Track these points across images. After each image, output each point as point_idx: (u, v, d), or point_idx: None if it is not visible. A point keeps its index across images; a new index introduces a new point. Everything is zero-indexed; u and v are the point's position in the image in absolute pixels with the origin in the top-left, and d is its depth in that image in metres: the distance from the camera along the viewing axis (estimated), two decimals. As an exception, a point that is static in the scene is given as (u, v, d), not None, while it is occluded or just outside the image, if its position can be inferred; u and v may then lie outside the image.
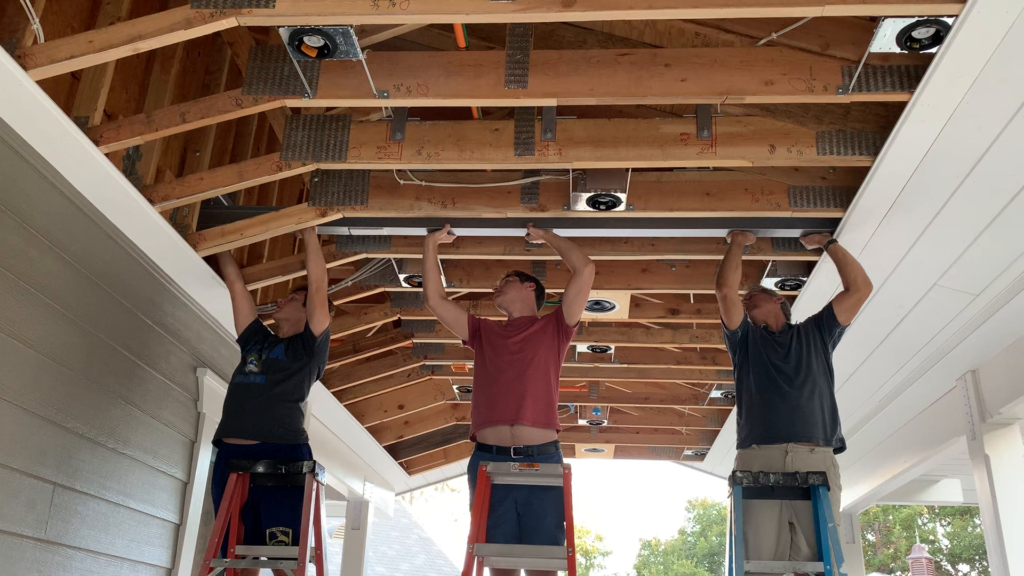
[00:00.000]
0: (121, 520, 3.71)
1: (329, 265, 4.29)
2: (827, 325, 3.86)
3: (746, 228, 4.00)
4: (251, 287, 4.40)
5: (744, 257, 4.13)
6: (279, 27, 2.83)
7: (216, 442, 3.82)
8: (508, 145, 3.55)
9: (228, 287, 4.16)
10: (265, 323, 4.25)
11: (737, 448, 3.86)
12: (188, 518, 4.29)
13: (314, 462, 3.55)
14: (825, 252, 3.95)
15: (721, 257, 4.30)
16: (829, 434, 3.72)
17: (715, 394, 6.85)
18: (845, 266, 3.82)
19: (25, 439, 3.06)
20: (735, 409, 4.04)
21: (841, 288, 3.87)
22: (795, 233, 4.05)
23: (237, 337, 4.09)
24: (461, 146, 3.56)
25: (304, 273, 4.41)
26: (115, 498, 3.65)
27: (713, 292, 4.77)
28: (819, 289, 4.41)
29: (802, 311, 4.40)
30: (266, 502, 3.64)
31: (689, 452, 8.70)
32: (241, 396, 3.82)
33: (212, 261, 4.14)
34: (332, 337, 4.23)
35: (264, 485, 3.64)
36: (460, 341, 4.18)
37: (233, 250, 4.24)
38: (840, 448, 3.76)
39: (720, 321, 4.07)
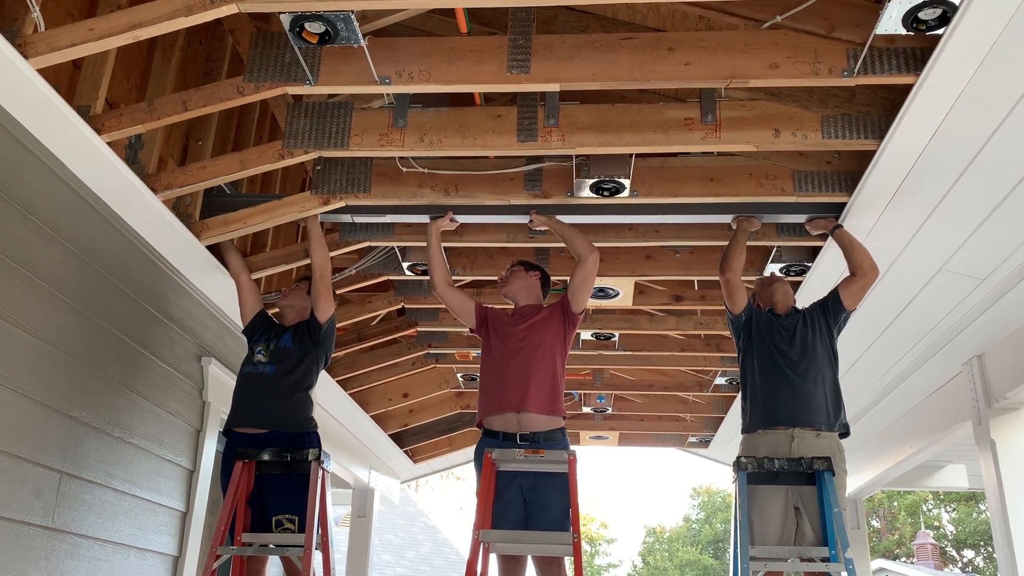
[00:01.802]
0: (128, 508, 3.72)
1: (332, 253, 4.28)
2: (832, 310, 3.85)
3: (751, 214, 3.98)
4: (255, 276, 4.40)
5: (749, 243, 4.11)
6: (280, 13, 2.82)
7: (226, 432, 3.82)
8: (511, 131, 3.53)
9: (233, 279, 4.15)
10: (270, 312, 4.24)
11: (742, 433, 3.86)
12: (194, 506, 4.30)
13: (319, 450, 3.55)
14: (831, 237, 3.94)
15: (725, 243, 4.29)
16: (833, 419, 3.72)
17: (719, 381, 6.84)
18: (851, 251, 3.80)
19: (31, 428, 3.06)
20: (740, 394, 4.04)
21: (847, 273, 3.86)
22: (800, 219, 4.04)
23: (243, 328, 4.09)
24: (463, 133, 3.55)
25: (308, 262, 4.40)
26: (121, 486, 3.66)
27: (717, 278, 4.76)
28: (824, 275, 4.40)
29: (807, 297, 4.38)
30: (272, 490, 3.65)
31: (693, 439, 8.71)
32: (250, 386, 3.82)
33: (216, 252, 4.14)
34: (336, 325, 4.22)
35: (270, 473, 3.65)
36: (466, 329, 4.18)
37: (236, 239, 4.23)
38: (844, 433, 3.76)
39: (724, 307, 4.06)
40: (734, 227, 4.01)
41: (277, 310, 4.29)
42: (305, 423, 3.81)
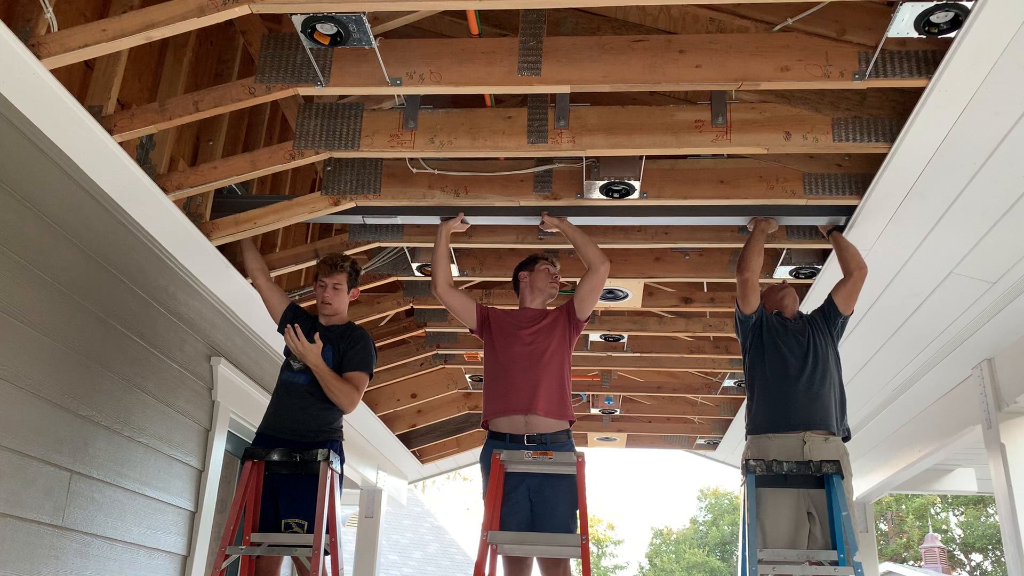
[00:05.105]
0: (137, 507, 3.73)
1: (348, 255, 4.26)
2: (831, 317, 3.91)
3: (763, 216, 3.98)
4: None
5: (759, 244, 4.11)
6: (292, 14, 2.82)
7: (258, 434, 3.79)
8: (521, 133, 3.53)
9: (252, 282, 4.10)
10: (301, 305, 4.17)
11: (749, 435, 3.85)
12: (203, 506, 4.31)
13: (328, 450, 3.54)
14: (829, 237, 3.99)
15: (735, 245, 4.30)
16: (839, 423, 3.74)
17: (728, 383, 6.83)
18: (842, 251, 3.89)
19: (42, 427, 3.08)
20: (747, 395, 4.03)
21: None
22: (810, 221, 4.04)
23: (277, 328, 4.01)
24: (474, 134, 3.55)
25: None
26: (131, 486, 3.67)
27: (727, 280, 4.77)
28: (834, 277, 4.37)
29: (816, 299, 4.38)
30: (285, 493, 3.64)
31: (701, 441, 8.70)
32: (284, 394, 3.77)
33: (230, 251, 4.14)
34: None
35: (282, 474, 3.63)
36: (468, 330, 4.18)
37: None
38: (846, 437, 3.78)
39: (734, 307, 4.06)
40: (751, 228, 4.01)
41: (308, 302, 4.19)
42: (328, 433, 3.74)
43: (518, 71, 3.17)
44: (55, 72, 2.81)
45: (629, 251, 4.77)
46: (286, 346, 3.81)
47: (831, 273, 4.39)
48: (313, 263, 4.48)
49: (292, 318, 3.90)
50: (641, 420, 8.45)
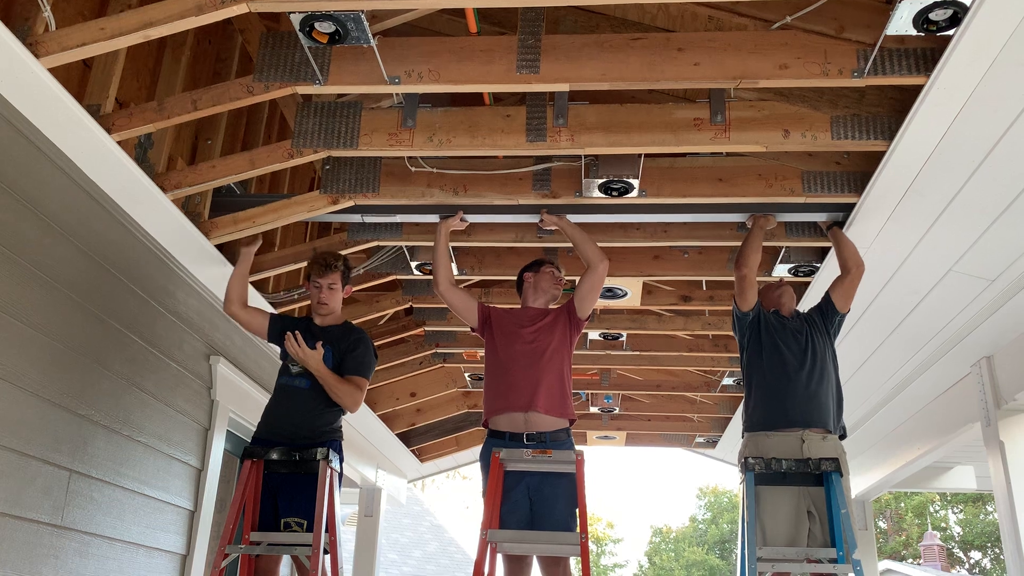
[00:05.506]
0: (136, 507, 3.73)
1: (341, 253, 4.27)
2: (829, 314, 3.92)
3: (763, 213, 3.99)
4: (263, 275, 4.40)
5: (758, 243, 4.11)
6: (290, 13, 2.82)
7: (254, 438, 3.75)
8: (520, 131, 3.53)
9: (226, 309, 3.91)
10: (282, 307, 4.14)
11: (747, 431, 3.85)
12: (202, 505, 4.30)
13: (328, 449, 3.54)
14: (828, 233, 4.01)
15: (734, 243, 4.30)
16: (836, 421, 3.75)
17: (727, 381, 6.83)
18: (841, 248, 3.90)
19: (41, 426, 3.08)
20: (745, 392, 4.03)
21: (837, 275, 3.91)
22: (808, 219, 4.04)
23: (269, 339, 3.93)
24: (473, 133, 3.55)
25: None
26: (130, 485, 3.67)
27: (726, 278, 4.77)
28: (832, 276, 4.38)
29: (814, 298, 4.38)
30: (284, 492, 3.64)
31: (700, 439, 8.70)
32: (284, 399, 3.74)
33: (229, 250, 4.12)
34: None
35: (281, 473, 3.62)
36: (470, 328, 4.18)
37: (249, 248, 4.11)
38: (843, 436, 3.78)
39: (732, 304, 4.06)
40: (749, 225, 4.01)
41: (304, 302, 4.13)
42: (327, 433, 3.72)
43: (517, 69, 3.16)
44: (53, 71, 2.81)
45: (628, 249, 4.77)
46: (283, 351, 3.79)
47: (830, 271, 4.39)
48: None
49: (283, 326, 3.82)
50: (640, 418, 8.44)
